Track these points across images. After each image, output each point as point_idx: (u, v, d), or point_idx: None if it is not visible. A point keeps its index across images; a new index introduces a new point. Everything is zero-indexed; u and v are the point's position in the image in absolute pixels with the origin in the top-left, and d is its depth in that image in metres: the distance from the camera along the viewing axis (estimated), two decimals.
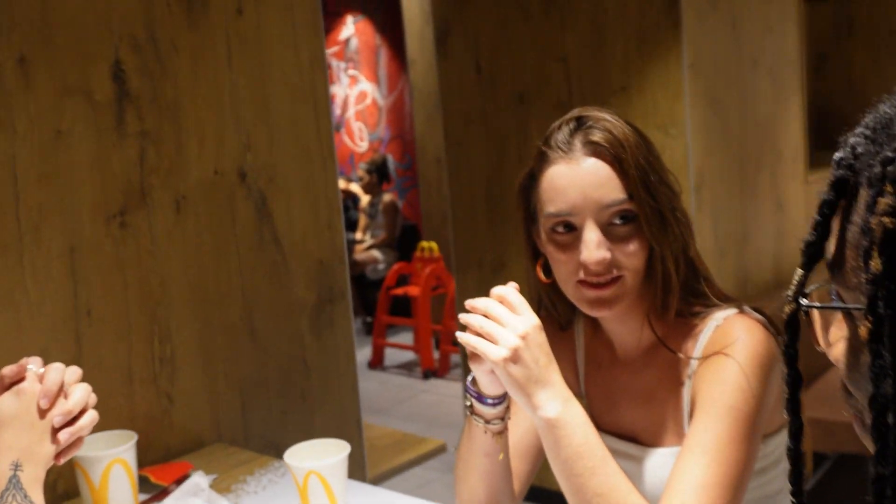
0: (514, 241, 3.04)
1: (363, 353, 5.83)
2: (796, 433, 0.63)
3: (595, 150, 1.17)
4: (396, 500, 1.56)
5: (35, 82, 1.71)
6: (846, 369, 0.57)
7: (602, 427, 1.28)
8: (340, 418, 1.47)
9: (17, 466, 0.94)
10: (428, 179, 6.18)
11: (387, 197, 6.62)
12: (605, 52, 2.91)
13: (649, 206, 1.16)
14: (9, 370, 1.01)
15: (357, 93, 7.59)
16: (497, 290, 1.12)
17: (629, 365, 1.31)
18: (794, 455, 0.60)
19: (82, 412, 1.02)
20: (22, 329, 1.65)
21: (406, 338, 5.98)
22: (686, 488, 1.09)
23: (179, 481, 1.64)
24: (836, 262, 0.57)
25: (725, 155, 3.22)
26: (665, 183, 1.20)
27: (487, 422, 1.21)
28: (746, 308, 1.23)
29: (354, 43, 7.47)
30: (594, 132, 1.17)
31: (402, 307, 5.78)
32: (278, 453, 1.74)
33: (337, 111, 7.57)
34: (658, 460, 1.25)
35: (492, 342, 1.07)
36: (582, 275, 1.17)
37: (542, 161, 1.21)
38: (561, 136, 1.20)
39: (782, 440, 1.26)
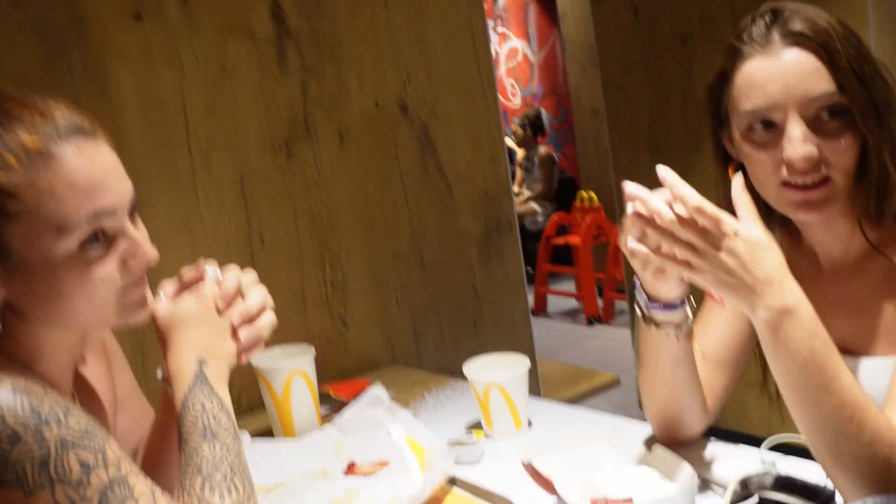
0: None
1: None
2: None
3: (797, 40, 1.04)
4: (577, 413, 1.51)
5: (198, 21, 1.76)
6: None
7: None
8: (512, 346, 1.45)
9: (202, 362, 0.95)
10: (584, 132, 6.05)
11: (543, 149, 6.52)
12: None
13: (863, 97, 1.03)
14: (188, 272, 1.02)
15: (507, 50, 7.49)
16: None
17: (836, 275, 1.19)
18: None
19: (260, 313, 1.03)
20: (198, 252, 1.71)
21: (567, 287, 5.91)
22: None
23: (358, 396, 1.65)
24: None
25: None
26: (879, 74, 1.06)
27: (659, 325, 1.13)
28: None
29: (502, 0, 7.37)
30: (795, 22, 1.05)
31: (563, 257, 5.70)
32: (452, 376, 1.73)
33: None
34: (871, 371, 1.13)
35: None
36: (785, 174, 1.05)
37: (734, 58, 1.09)
38: (756, 29, 1.07)
39: None
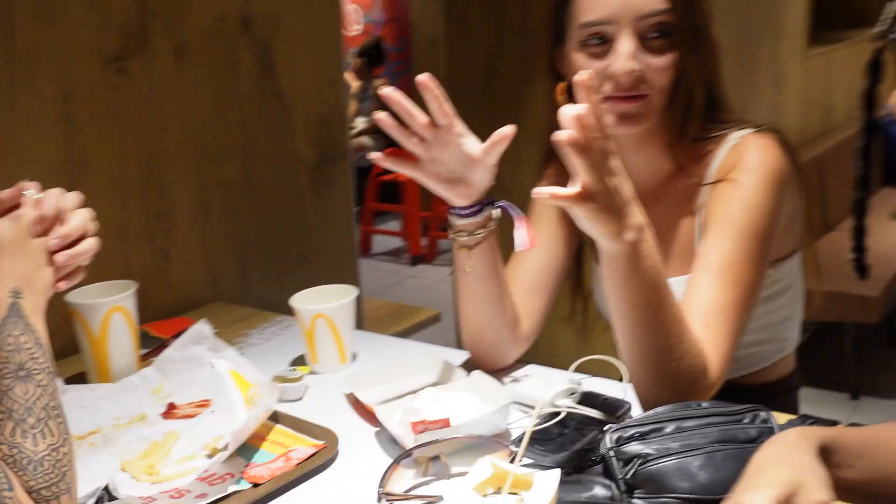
0: (513, 115, 2.98)
1: None
2: (863, 182, 0.60)
3: None
4: (401, 344, 1.55)
5: None
6: None
7: None
8: (339, 282, 1.45)
9: (16, 294, 0.91)
10: (422, 63, 6.05)
11: (378, 82, 6.48)
12: None
13: (688, 20, 1.13)
14: (5, 194, 0.96)
15: None
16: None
17: (644, 198, 1.28)
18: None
19: (81, 239, 0.99)
20: (14, 177, 1.59)
21: (395, 226, 5.97)
22: (697, 309, 1.08)
23: (179, 335, 1.62)
24: None
25: (726, 28, 3.13)
26: (704, 3, 1.16)
27: (457, 232, 1.19)
28: (765, 127, 1.20)
29: None
30: None
31: (391, 194, 5.74)
32: (278, 312, 1.73)
33: None
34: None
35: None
36: (608, 89, 1.14)
37: None
38: None
39: (792, 266, 1.26)
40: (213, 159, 1.95)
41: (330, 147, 2.20)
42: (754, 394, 1.26)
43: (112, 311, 1.43)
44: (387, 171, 5.69)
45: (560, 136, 0.91)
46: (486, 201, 1.18)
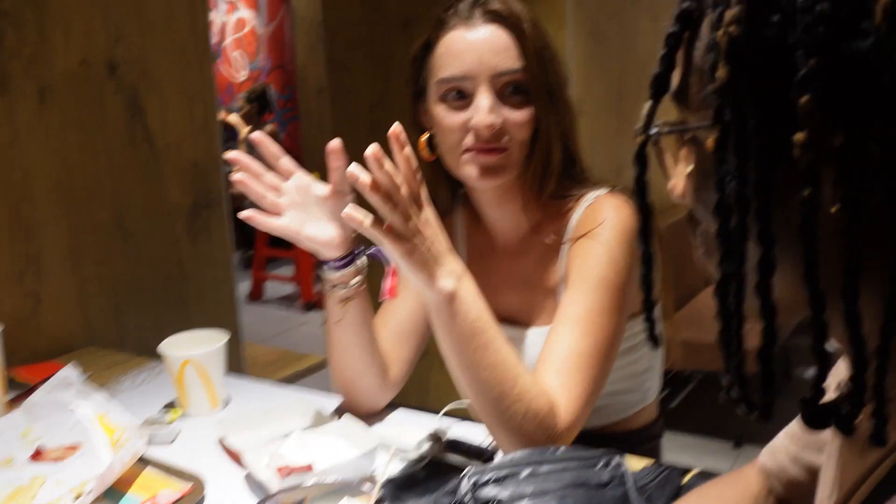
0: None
1: (243, 287, 5.74)
2: (647, 260, 0.65)
3: (495, 18, 1.19)
4: (277, 390, 1.55)
5: None
6: (693, 194, 0.60)
7: None
8: (219, 326, 1.45)
9: None
10: (309, 111, 6.08)
11: (267, 128, 6.47)
12: None
13: (542, 80, 1.19)
14: None
15: (235, 20, 7.32)
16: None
17: (508, 252, 1.34)
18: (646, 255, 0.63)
19: None
20: None
21: (287, 271, 5.92)
22: (557, 356, 1.12)
23: (47, 379, 1.58)
24: (681, 90, 0.59)
25: (605, 87, 3.29)
26: (557, 65, 1.23)
27: (334, 286, 1.22)
28: (619, 188, 1.27)
29: None
30: (495, 3, 1.19)
31: (282, 240, 5.69)
32: (154, 357, 1.71)
33: (214, 38, 7.30)
34: (534, 339, 1.29)
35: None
36: (470, 141, 1.19)
37: (439, 28, 1.22)
38: (462, 5, 1.21)
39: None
40: (83, 203, 1.92)
41: (205, 193, 2.20)
42: (618, 442, 1.30)
43: None
44: None
45: (359, 177, 0.96)
46: (357, 250, 1.21)
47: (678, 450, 3.21)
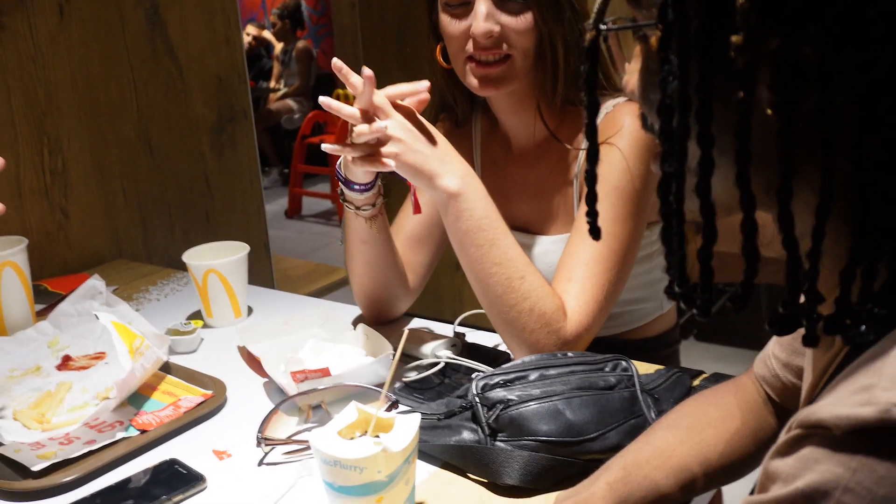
0: (423, 73, 2.98)
1: (280, 204, 5.78)
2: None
3: None
4: (298, 301, 1.57)
5: None
6: (641, 91, 0.60)
7: None
8: (246, 240, 1.46)
9: None
10: (343, 25, 5.99)
11: (300, 44, 6.41)
12: None
13: None
14: None
15: None
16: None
17: (523, 159, 1.32)
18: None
19: None
20: None
21: (323, 188, 5.94)
22: (574, 263, 1.12)
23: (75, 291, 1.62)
24: None
25: None
26: None
27: (358, 208, 1.21)
28: None
29: None
30: None
31: (319, 156, 5.70)
32: (181, 269, 1.73)
33: None
34: (547, 247, 1.28)
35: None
36: (470, 49, 1.16)
37: None
38: None
39: None
40: (107, 118, 1.92)
41: (229, 107, 2.18)
42: (636, 349, 1.31)
43: (3, 266, 1.42)
44: (314, 133, 5.67)
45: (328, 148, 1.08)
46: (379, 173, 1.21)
47: (711, 358, 3.21)
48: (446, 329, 1.31)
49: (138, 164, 2.00)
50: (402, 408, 1.07)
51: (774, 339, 0.93)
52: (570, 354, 1.03)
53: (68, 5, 1.82)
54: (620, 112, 1.19)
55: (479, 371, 1.12)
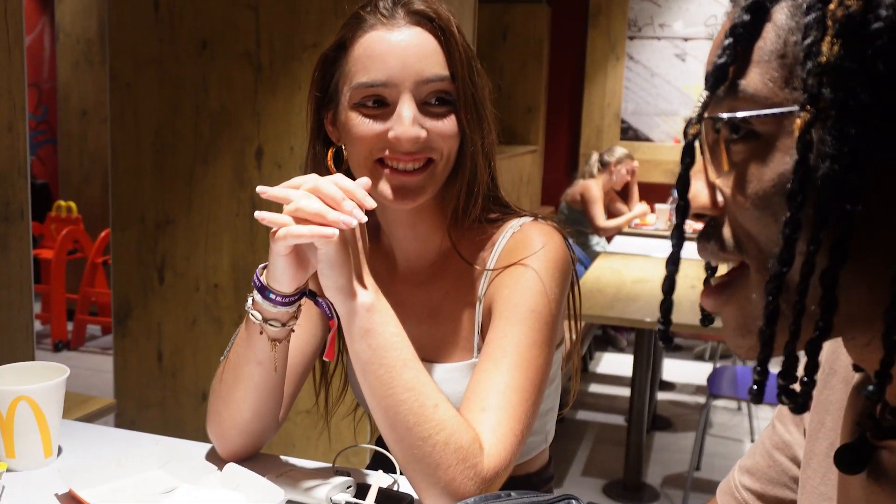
0: (184, 195, 2.79)
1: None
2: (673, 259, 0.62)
3: (420, 19, 1.06)
4: (113, 433, 1.31)
5: None
6: (735, 194, 0.56)
7: None
8: (11, 360, 1.20)
9: None
10: (69, 134, 5.52)
11: None
12: (299, 5, 2.74)
13: (470, 91, 1.08)
14: None
15: None
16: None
17: (412, 279, 1.22)
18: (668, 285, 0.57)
19: None
20: None
21: (35, 307, 5.31)
22: (488, 391, 1.03)
23: None
24: (737, 75, 0.56)
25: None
26: (483, 76, 1.12)
27: (266, 320, 1.04)
28: (541, 217, 1.19)
29: None
30: (419, 3, 1.07)
31: (34, 272, 5.11)
32: None
33: None
34: (443, 375, 1.17)
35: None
36: (387, 153, 1.06)
37: (356, 27, 1.08)
38: (383, 3, 1.07)
39: (557, 358, 1.25)
40: None
41: (5, 206, 1.88)
42: (519, 486, 1.22)
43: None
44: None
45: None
46: (304, 290, 1.04)
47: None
48: (323, 468, 1.14)
49: None
50: None
51: (737, 468, 0.89)
52: (513, 494, 0.92)
53: None
54: (531, 231, 1.14)
55: None
